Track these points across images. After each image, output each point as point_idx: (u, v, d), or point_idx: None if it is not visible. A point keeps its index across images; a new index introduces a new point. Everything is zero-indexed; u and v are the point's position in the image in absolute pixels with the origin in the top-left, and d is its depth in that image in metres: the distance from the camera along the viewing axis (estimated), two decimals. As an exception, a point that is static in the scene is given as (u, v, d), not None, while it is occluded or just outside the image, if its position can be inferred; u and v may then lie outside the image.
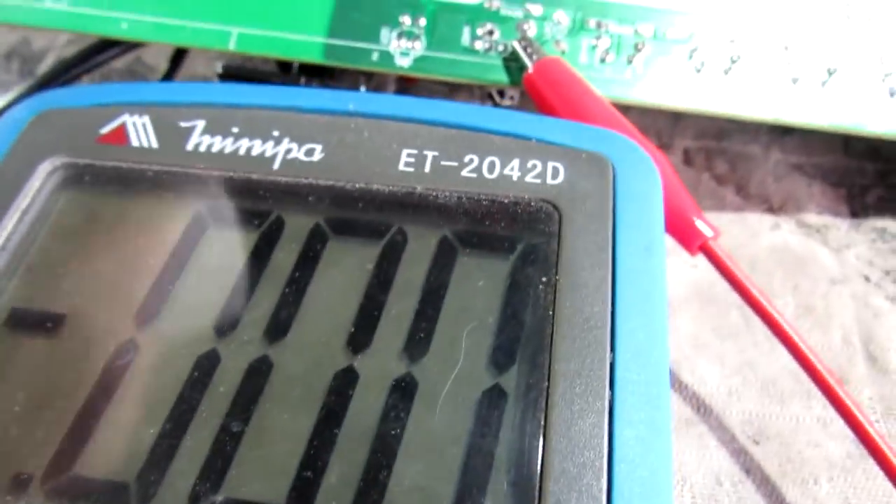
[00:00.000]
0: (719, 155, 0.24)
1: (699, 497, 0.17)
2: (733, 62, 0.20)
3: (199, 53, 0.27)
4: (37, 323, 0.14)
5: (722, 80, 0.20)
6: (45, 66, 0.27)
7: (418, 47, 0.21)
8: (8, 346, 0.14)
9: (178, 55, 0.24)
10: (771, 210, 0.23)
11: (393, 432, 0.13)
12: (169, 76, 0.24)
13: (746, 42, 0.21)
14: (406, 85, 0.25)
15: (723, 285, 0.21)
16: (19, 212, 0.15)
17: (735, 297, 0.21)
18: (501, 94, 0.22)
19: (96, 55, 0.23)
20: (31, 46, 0.28)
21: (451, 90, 0.25)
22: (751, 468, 0.17)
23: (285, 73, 0.22)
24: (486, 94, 0.24)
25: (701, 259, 0.21)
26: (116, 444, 0.13)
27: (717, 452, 0.18)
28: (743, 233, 0.22)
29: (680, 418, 0.18)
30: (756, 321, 0.20)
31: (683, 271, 0.21)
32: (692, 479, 0.17)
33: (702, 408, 0.18)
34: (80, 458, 0.13)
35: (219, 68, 0.21)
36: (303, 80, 0.21)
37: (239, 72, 0.21)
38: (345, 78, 0.23)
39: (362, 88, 0.21)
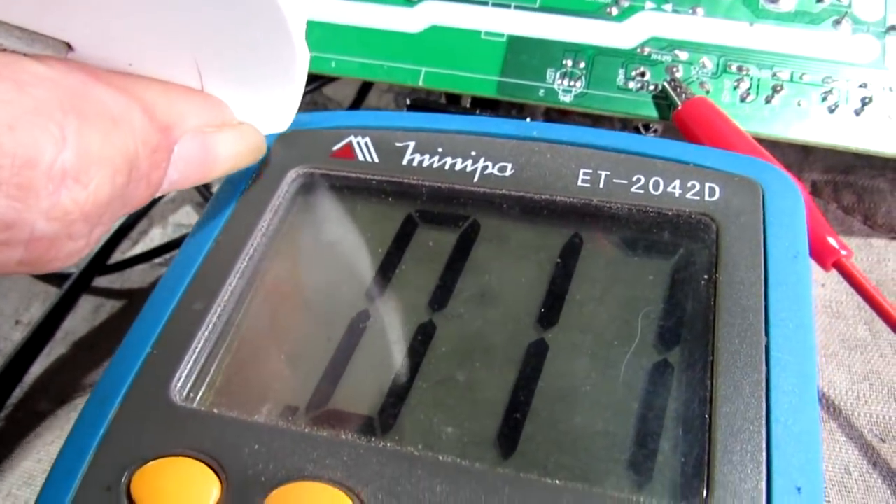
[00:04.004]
0: (846, 187, 0.26)
1: (830, 484, 0.19)
2: (864, 104, 0.23)
3: (376, 88, 0.31)
4: (289, 294, 0.18)
5: (853, 120, 0.23)
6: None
7: (579, 86, 0.24)
8: (267, 312, 0.18)
9: (364, 89, 0.29)
10: (897, 238, 0.24)
11: (581, 389, 0.16)
12: (355, 106, 0.28)
13: (877, 87, 0.23)
14: (551, 116, 0.28)
15: (850, 303, 0.23)
16: (273, 208, 0.19)
17: (862, 314, 0.23)
18: (647, 127, 0.25)
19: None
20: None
21: (594, 121, 0.28)
22: (878, 462, 0.19)
23: (454, 105, 0.26)
24: (623, 124, 0.28)
25: (829, 279, 0.24)
26: (361, 387, 0.16)
27: (847, 447, 0.20)
28: (870, 258, 0.24)
29: (810, 416, 0.20)
30: (883, 334, 0.22)
31: (812, 290, 0.23)
32: (824, 468, 0.19)
33: (831, 408, 0.20)
34: (333, 396, 0.16)
35: (408, 101, 0.25)
36: (477, 111, 0.25)
37: (425, 103, 0.25)
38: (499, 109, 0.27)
39: (528, 119, 0.25)
